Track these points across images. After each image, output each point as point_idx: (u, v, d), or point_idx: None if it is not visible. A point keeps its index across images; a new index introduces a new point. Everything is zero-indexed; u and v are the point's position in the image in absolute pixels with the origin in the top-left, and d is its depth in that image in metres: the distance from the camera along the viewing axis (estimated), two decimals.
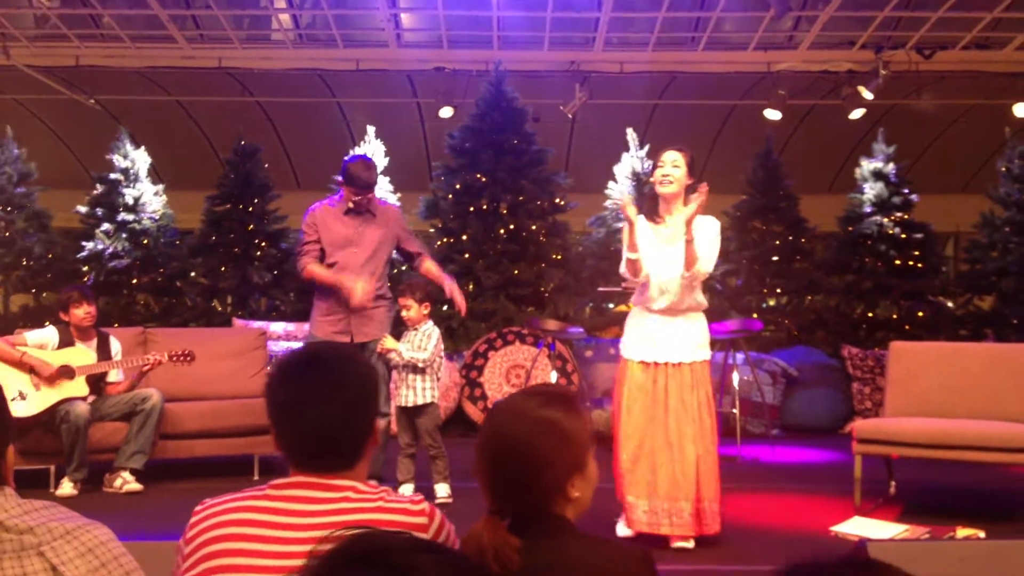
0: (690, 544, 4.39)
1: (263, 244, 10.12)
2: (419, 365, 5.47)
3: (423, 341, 5.51)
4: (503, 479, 1.78)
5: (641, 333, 4.64)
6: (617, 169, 10.35)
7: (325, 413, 1.76)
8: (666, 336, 4.57)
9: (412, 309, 5.51)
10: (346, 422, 1.78)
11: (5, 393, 1.68)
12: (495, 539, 1.67)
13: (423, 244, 6.10)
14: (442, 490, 5.49)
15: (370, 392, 1.85)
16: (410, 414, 5.56)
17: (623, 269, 4.66)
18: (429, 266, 5.82)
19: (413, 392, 5.50)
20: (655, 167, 4.70)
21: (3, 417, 1.61)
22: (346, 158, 5.88)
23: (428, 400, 5.52)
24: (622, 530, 4.63)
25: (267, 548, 1.66)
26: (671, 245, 4.58)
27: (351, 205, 5.62)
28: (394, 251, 5.92)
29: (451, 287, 5.65)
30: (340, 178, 5.70)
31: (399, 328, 5.71)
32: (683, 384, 4.51)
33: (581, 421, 1.84)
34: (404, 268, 8.93)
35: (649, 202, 4.78)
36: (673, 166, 4.61)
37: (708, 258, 4.56)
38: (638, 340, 4.64)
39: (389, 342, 5.50)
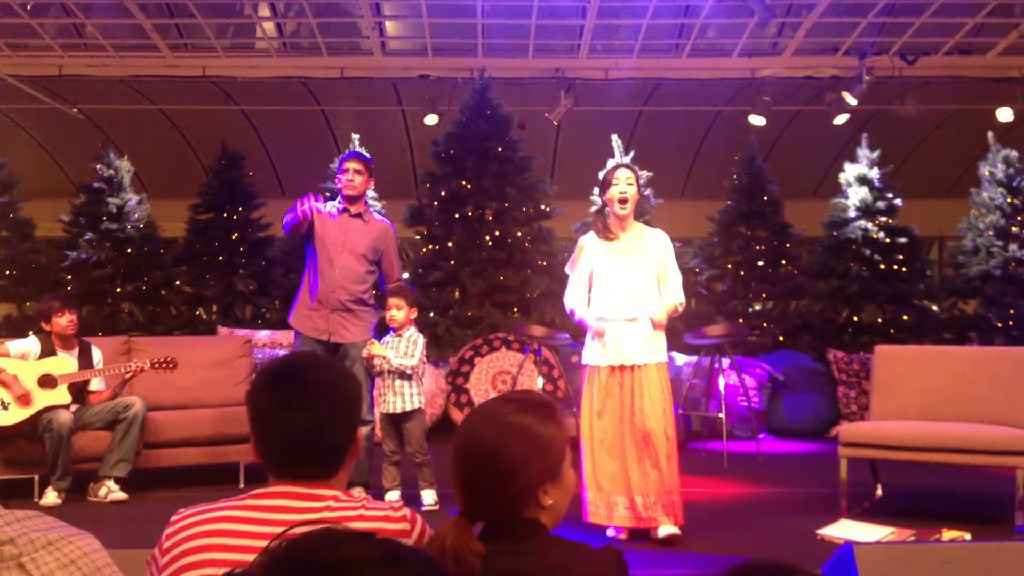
0: (676, 530, 4.53)
1: (248, 252, 10.09)
2: (407, 372, 5.47)
3: (409, 347, 5.50)
4: (474, 483, 1.76)
5: (606, 339, 4.76)
6: (602, 176, 10.36)
7: (306, 421, 1.73)
8: (630, 340, 4.72)
9: (403, 311, 5.52)
10: (327, 431, 1.76)
11: None
12: (458, 542, 1.66)
13: (400, 275, 6.01)
14: (428, 497, 5.47)
15: (352, 401, 1.83)
16: (397, 420, 5.54)
17: (570, 305, 4.96)
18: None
19: (401, 399, 5.49)
20: (608, 184, 4.87)
21: None
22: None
23: (416, 406, 5.51)
24: (611, 532, 4.69)
25: (248, 558, 1.63)
26: (627, 258, 4.81)
27: (345, 194, 5.66)
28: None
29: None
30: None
31: (378, 334, 5.70)
32: (650, 384, 4.66)
33: (557, 429, 1.80)
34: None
35: (599, 219, 5.01)
36: (627, 184, 4.82)
37: (678, 287, 4.89)
38: (602, 346, 4.77)
39: (376, 348, 5.49)
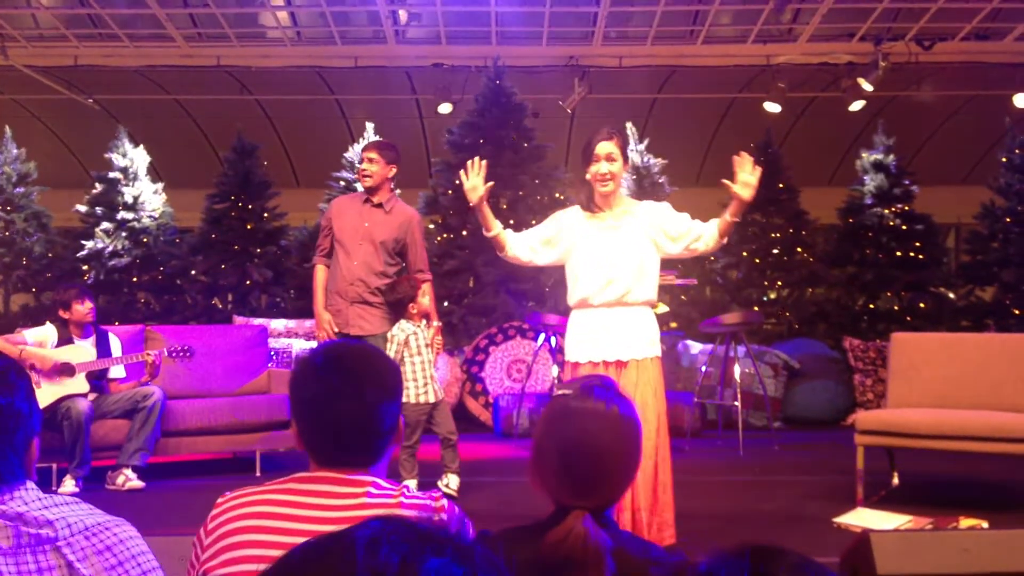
0: None
1: (263, 242, 10.12)
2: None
3: (429, 334, 5.58)
4: (593, 480, 1.81)
5: (584, 332, 4.20)
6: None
7: (353, 410, 1.77)
8: (611, 332, 4.14)
9: (427, 297, 5.58)
10: (373, 419, 1.79)
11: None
12: (589, 533, 1.70)
13: (427, 268, 5.78)
14: (454, 482, 5.44)
15: (395, 390, 1.86)
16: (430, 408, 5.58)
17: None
18: (426, 289, 5.64)
19: (439, 384, 5.61)
20: (590, 160, 4.25)
21: (31, 409, 1.59)
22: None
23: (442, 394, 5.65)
24: None
25: (288, 540, 1.67)
26: (613, 232, 4.22)
27: (364, 185, 5.59)
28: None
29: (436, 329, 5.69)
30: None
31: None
32: (626, 383, 4.03)
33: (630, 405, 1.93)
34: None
35: (583, 189, 4.37)
36: (609, 161, 4.20)
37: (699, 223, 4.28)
38: (582, 339, 4.21)
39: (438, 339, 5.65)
